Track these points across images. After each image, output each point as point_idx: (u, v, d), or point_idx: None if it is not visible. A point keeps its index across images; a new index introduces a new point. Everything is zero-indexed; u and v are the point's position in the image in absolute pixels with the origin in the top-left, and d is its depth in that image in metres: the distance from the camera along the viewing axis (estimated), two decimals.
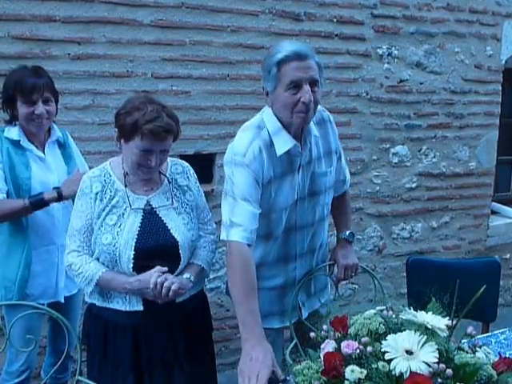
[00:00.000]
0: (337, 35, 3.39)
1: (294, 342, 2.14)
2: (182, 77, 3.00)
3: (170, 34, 2.93)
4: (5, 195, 2.16)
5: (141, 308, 1.91)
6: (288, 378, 1.46)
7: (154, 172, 1.91)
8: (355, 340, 1.30)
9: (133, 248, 1.85)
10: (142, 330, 1.93)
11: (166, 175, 1.99)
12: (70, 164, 2.35)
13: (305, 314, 2.21)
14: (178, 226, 1.93)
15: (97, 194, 1.90)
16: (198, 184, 2.08)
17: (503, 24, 3.94)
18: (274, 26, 3.18)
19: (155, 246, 1.88)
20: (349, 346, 1.28)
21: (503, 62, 4.01)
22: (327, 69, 3.32)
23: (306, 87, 1.78)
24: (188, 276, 1.94)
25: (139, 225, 1.89)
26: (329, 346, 1.36)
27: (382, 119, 3.66)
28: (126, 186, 1.91)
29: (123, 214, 1.89)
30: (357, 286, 3.74)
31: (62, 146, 2.36)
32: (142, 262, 1.86)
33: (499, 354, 1.29)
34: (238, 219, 1.85)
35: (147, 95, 1.96)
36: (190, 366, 2.00)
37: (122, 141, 1.84)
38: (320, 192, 2.06)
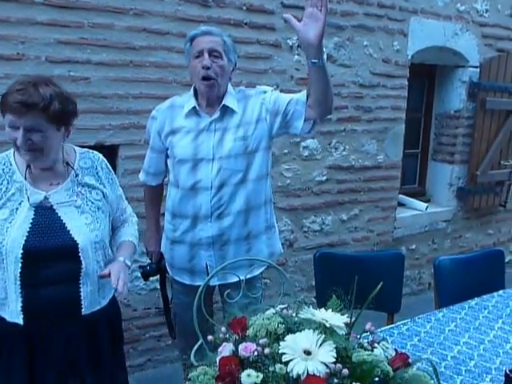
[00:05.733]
0: (246, 24, 3.31)
1: (200, 342, 2.06)
2: (81, 62, 2.80)
3: (67, 15, 2.72)
4: None
5: (20, 321, 1.73)
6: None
7: (36, 158, 1.71)
8: (254, 342, 1.23)
9: (21, 247, 1.67)
10: (35, 338, 1.76)
11: (73, 168, 1.83)
12: None
13: (214, 281, 2.28)
14: (79, 227, 1.76)
15: None
16: (111, 175, 1.96)
17: (410, 19, 4.03)
18: (181, 11, 3.04)
19: (50, 248, 1.71)
20: (246, 349, 1.20)
21: (409, 57, 4.10)
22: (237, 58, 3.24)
23: (206, 55, 2.16)
24: (122, 260, 1.86)
25: (31, 221, 1.71)
26: (226, 349, 1.28)
27: None
28: (25, 177, 1.74)
29: (17, 208, 1.72)
30: (268, 281, 3.70)
31: None
32: (33, 264, 1.69)
33: (395, 350, 1.26)
34: (145, 163, 2.50)
35: (43, 76, 1.78)
36: (94, 378, 1.86)
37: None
38: (225, 156, 2.25)
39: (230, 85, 2.32)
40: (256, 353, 1.19)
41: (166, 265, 2.54)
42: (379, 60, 3.95)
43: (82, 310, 1.78)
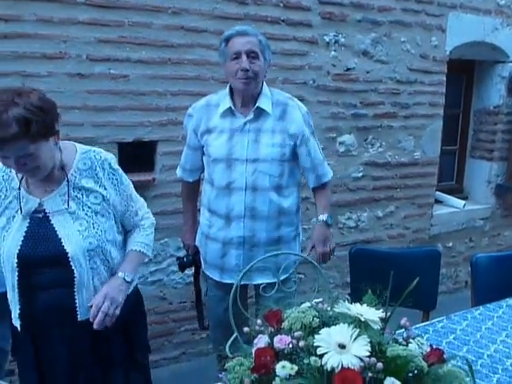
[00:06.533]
0: (283, 21, 3.32)
1: (234, 335, 2.10)
2: (120, 60, 2.86)
3: (107, 14, 2.78)
4: None
5: (18, 326, 1.78)
6: (220, 375, 1.40)
7: (36, 176, 1.68)
8: (289, 334, 1.25)
9: (16, 256, 1.68)
10: (38, 339, 1.80)
11: (67, 173, 1.74)
12: None
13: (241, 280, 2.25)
14: (71, 235, 1.71)
15: None
16: (116, 176, 1.84)
17: (448, 15, 3.97)
18: (218, 8, 3.07)
19: (42, 256, 1.69)
20: (281, 341, 1.22)
21: (448, 52, 4.04)
22: (273, 55, 3.22)
23: (244, 57, 2.20)
24: (122, 275, 1.80)
25: (25, 230, 1.70)
26: (261, 341, 1.30)
27: (329, 108, 3.63)
28: (19, 186, 1.72)
29: (14, 216, 1.71)
30: (302, 276, 3.71)
31: None
32: (28, 272, 1.71)
33: (430, 345, 1.26)
34: (182, 159, 2.56)
35: (8, 91, 1.62)
36: (104, 379, 1.86)
37: None
38: (261, 159, 2.30)
39: (265, 85, 2.36)
40: (291, 345, 1.21)
41: (201, 258, 2.59)
42: (416, 56, 3.90)
43: (78, 316, 1.76)
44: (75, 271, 1.71)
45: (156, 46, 2.94)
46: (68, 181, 1.74)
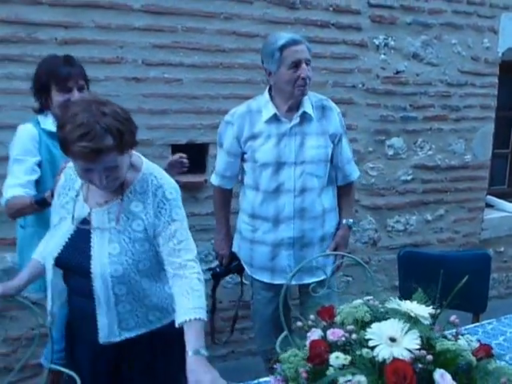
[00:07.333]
0: (333, 24, 3.35)
1: (284, 333, 2.15)
2: (174, 64, 2.96)
3: (162, 20, 2.89)
4: (28, 190, 2.12)
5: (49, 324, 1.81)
6: (275, 366, 1.45)
7: (110, 188, 1.62)
8: (341, 328, 1.29)
9: (53, 258, 1.68)
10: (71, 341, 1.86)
11: (122, 193, 1.66)
12: None
13: (291, 281, 2.26)
14: (101, 256, 1.62)
15: (59, 187, 1.77)
16: (166, 206, 1.67)
17: (500, 16, 3.91)
18: (269, 13, 3.13)
19: (74, 266, 1.67)
20: (334, 334, 1.27)
21: (500, 54, 3.98)
22: (323, 59, 3.30)
23: (304, 65, 2.27)
24: (197, 351, 1.49)
25: (69, 237, 1.68)
26: (315, 334, 1.35)
27: (378, 111, 3.64)
28: (79, 191, 1.71)
29: (65, 218, 1.70)
30: (351, 279, 3.72)
31: None
32: (65, 272, 1.74)
33: (479, 341, 1.28)
34: (217, 166, 2.58)
35: (93, 95, 1.62)
36: None
37: None
38: (308, 161, 2.37)
39: None
40: (343, 338, 1.24)
41: (243, 264, 2.62)
42: (468, 58, 3.86)
43: (100, 338, 1.69)
44: (95, 293, 1.64)
45: (208, 50, 3.02)
46: (121, 200, 1.66)
